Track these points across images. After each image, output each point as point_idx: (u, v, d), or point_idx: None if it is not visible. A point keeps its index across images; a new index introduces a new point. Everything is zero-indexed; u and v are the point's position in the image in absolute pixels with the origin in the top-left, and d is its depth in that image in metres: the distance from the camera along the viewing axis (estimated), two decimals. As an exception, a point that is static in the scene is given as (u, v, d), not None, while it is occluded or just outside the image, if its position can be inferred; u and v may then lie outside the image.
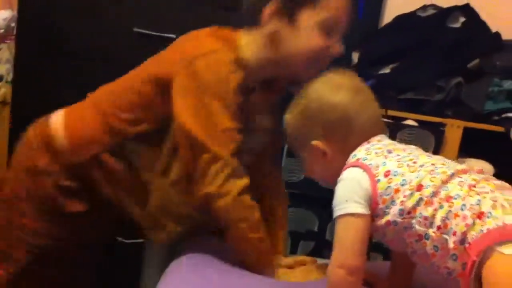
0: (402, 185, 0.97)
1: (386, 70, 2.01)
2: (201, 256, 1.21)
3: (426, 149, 1.82)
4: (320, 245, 1.88)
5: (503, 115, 1.96)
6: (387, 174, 0.99)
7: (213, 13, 1.84)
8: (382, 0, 2.19)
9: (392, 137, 1.80)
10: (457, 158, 1.91)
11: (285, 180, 1.84)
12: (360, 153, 1.06)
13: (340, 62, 2.00)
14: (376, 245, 1.89)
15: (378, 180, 1.00)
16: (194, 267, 1.17)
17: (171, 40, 1.29)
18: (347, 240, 1.01)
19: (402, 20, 2.09)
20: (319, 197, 1.88)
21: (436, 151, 1.87)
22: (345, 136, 1.09)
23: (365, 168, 1.02)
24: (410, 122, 1.89)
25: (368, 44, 2.10)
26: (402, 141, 1.81)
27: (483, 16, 2.07)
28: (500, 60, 2.00)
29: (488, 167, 1.96)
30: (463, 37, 2.02)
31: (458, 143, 1.90)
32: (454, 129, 1.89)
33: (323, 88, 1.12)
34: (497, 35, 2.06)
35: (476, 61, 1.99)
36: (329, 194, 1.83)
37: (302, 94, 1.15)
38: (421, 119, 1.90)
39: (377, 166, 1.01)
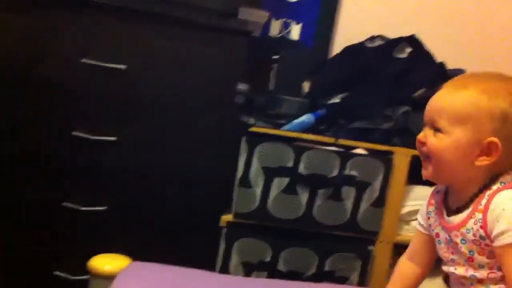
0: None
1: (336, 100, 2.04)
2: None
3: (375, 177, 1.88)
4: (272, 275, 1.86)
5: (449, 143, 2.01)
6: None
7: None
8: (331, 30, 2.24)
9: (343, 165, 1.85)
10: (405, 185, 1.94)
11: (237, 211, 1.84)
12: None
13: (290, 91, 2.05)
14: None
15: None
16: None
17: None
18: None
19: (351, 50, 2.14)
20: (272, 227, 1.87)
21: (385, 179, 1.90)
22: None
23: None
24: (360, 151, 1.92)
25: (319, 74, 2.13)
26: (352, 169, 1.86)
27: (428, 46, 2.13)
28: (445, 89, 2.06)
29: (436, 194, 2.00)
30: (410, 67, 2.07)
31: (406, 170, 1.93)
32: (402, 157, 1.92)
33: None
34: (442, 65, 2.13)
35: (422, 90, 2.03)
36: (283, 223, 1.84)
37: (484, 89, 1.01)
38: (371, 147, 1.93)
39: None
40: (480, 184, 1.03)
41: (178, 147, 1.79)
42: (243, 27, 1.73)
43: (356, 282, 1.94)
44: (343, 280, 1.93)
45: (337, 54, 2.18)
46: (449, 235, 1.07)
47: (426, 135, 1.06)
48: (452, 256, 1.08)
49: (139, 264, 1.40)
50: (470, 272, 1.04)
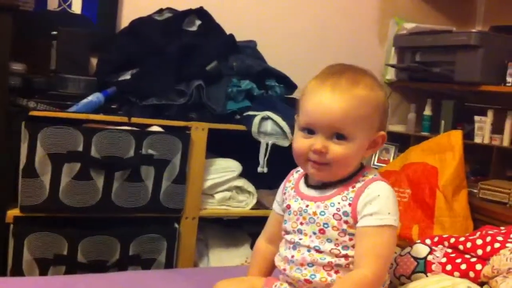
0: None
1: (127, 77, 1.94)
2: None
3: (174, 154, 1.84)
4: (72, 268, 1.73)
5: (244, 114, 2.04)
6: None
7: None
8: (116, 3, 2.11)
9: (139, 144, 1.77)
10: (205, 159, 1.94)
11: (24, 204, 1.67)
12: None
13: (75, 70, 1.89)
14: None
15: None
16: None
17: None
18: (390, 252, 1.06)
19: (139, 24, 2.04)
20: (66, 218, 1.74)
21: (184, 154, 1.87)
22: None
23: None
24: (155, 128, 1.86)
25: (106, 50, 2.00)
26: (148, 147, 1.79)
27: (217, 19, 2.13)
28: (236, 61, 2.08)
29: (235, 164, 2.03)
30: (200, 40, 2.05)
31: (205, 144, 1.93)
32: (199, 132, 1.91)
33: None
34: (231, 37, 2.14)
35: (214, 63, 2.03)
36: (79, 212, 1.71)
37: (367, 83, 1.07)
38: (166, 124, 1.88)
39: None
40: (353, 170, 1.11)
41: None
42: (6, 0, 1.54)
43: (163, 262, 1.89)
44: (149, 262, 1.87)
45: (124, 28, 2.08)
46: (306, 206, 1.11)
47: (325, 146, 1.06)
48: (300, 227, 1.12)
49: None
50: (315, 244, 1.09)
